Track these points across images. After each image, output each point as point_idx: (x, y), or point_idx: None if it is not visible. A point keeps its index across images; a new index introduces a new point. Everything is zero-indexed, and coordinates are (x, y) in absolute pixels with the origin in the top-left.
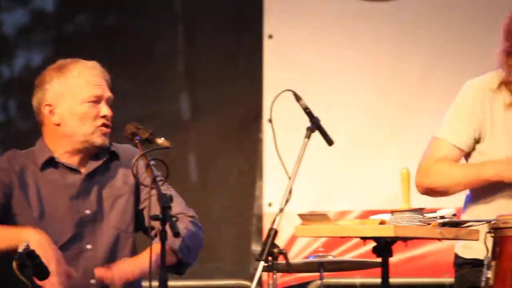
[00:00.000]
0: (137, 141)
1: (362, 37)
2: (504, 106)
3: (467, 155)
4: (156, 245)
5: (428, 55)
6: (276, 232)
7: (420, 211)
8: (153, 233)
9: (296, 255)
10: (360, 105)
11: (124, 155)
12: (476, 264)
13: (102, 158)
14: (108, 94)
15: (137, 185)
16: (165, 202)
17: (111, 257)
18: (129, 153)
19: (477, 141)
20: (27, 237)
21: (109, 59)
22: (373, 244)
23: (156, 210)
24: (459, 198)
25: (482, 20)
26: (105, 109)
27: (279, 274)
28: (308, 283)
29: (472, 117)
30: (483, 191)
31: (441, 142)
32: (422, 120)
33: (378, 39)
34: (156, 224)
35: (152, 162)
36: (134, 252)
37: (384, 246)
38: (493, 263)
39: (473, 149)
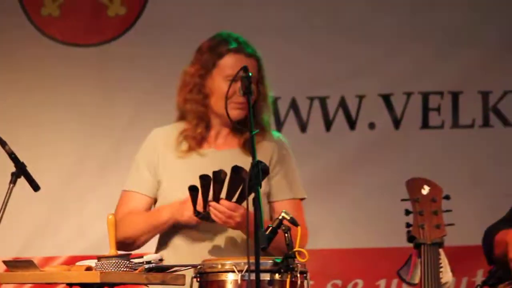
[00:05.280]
0: None
1: (67, 81)
2: (179, 154)
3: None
4: None
5: (135, 100)
6: None
7: (127, 256)
8: None
9: None
10: (68, 151)
11: None
12: None
13: None
14: None
15: None
16: None
17: None
18: None
19: (159, 187)
20: None
21: None
22: None
23: None
24: None
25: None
26: None
27: None
28: None
29: (150, 165)
30: (164, 235)
31: (128, 194)
32: (129, 165)
33: (83, 83)
34: None
35: None
36: None
37: None
38: None
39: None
